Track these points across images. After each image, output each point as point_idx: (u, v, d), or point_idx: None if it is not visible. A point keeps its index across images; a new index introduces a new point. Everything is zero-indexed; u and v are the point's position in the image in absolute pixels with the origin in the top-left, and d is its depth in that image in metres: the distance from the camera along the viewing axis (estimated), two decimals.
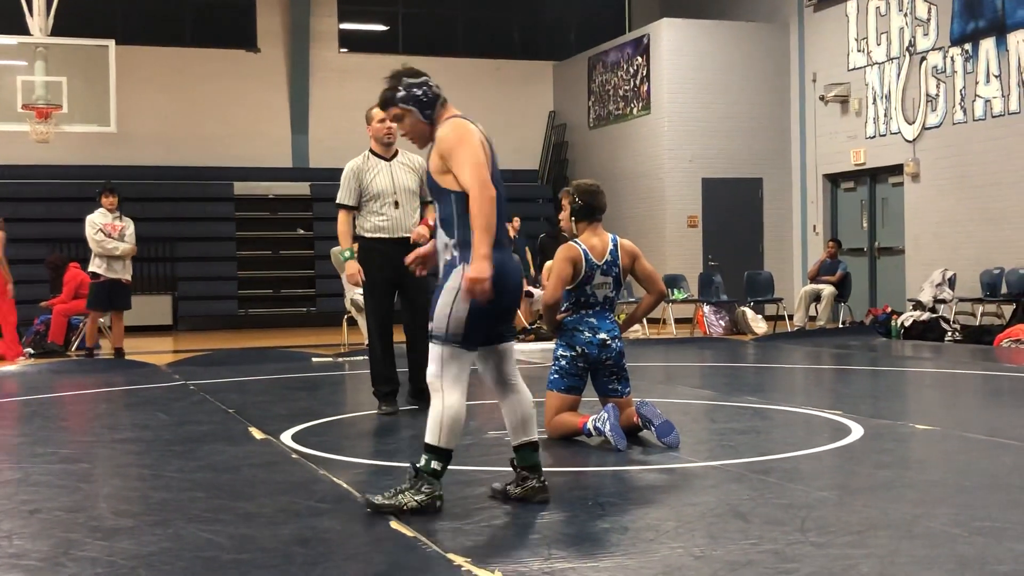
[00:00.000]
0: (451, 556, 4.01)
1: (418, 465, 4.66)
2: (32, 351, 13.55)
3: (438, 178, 4.69)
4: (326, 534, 4.42)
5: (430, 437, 4.64)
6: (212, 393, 9.25)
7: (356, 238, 7.78)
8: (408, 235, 7.60)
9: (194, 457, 6.20)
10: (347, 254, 7.69)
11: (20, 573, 3.91)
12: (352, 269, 7.67)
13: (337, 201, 7.75)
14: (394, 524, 4.47)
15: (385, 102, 4.81)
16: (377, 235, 7.69)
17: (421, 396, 7.88)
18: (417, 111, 4.76)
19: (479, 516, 4.63)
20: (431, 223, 7.72)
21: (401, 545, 4.21)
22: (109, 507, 4.99)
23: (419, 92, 4.77)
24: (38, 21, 15.60)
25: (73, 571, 3.90)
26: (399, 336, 7.91)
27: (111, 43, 15.89)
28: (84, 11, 18.21)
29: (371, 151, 7.80)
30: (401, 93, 4.77)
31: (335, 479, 5.46)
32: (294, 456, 6.11)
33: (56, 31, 15.80)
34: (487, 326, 4.68)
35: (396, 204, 7.66)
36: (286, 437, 6.75)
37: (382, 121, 7.65)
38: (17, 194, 18.63)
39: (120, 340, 13.03)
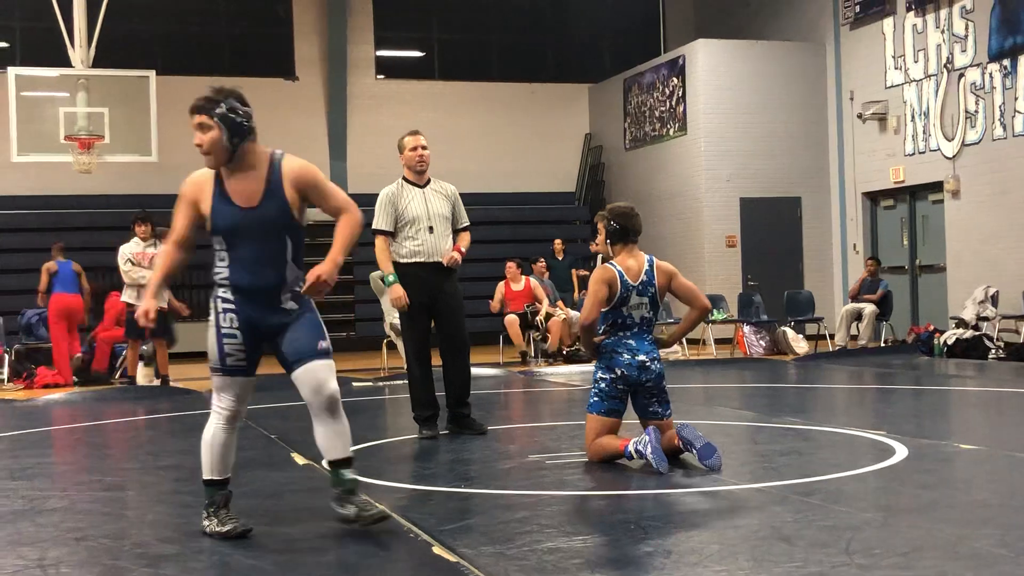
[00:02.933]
0: None
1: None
2: (76, 379, 13.67)
3: (294, 211, 4.85)
4: (370, 560, 4.43)
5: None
6: (254, 419, 9.29)
7: (395, 264, 7.85)
8: (442, 259, 7.75)
9: (237, 483, 6.19)
10: (390, 278, 7.76)
11: None
12: (397, 292, 7.71)
13: (373, 227, 7.81)
14: (437, 549, 4.48)
15: (197, 108, 4.74)
16: (413, 260, 7.78)
17: (457, 421, 7.91)
18: (225, 132, 4.72)
19: (521, 540, 4.63)
20: (463, 249, 7.86)
21: (444, 570, 4.22)
22: (154, 534, 5.04)
23: (238, 118, 4.75)
24: (80, 53, 15.83)
25: None
26: (437, 360, 7.95)
27: (151, 74, 16.08)
28: (125, 43, 18.49)
29: (404, 179, 7.91)
30: (220, 109, 4.74)
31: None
32: None
33: (97, 63, 16.02)
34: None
35: (431, 229, 7.77)
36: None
37: (414, 149, 7.83)
38: (60, 223, 18.86)
39: (165, 368, 13.12)
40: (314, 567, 4.32)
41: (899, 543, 4.42)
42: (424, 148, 7.87)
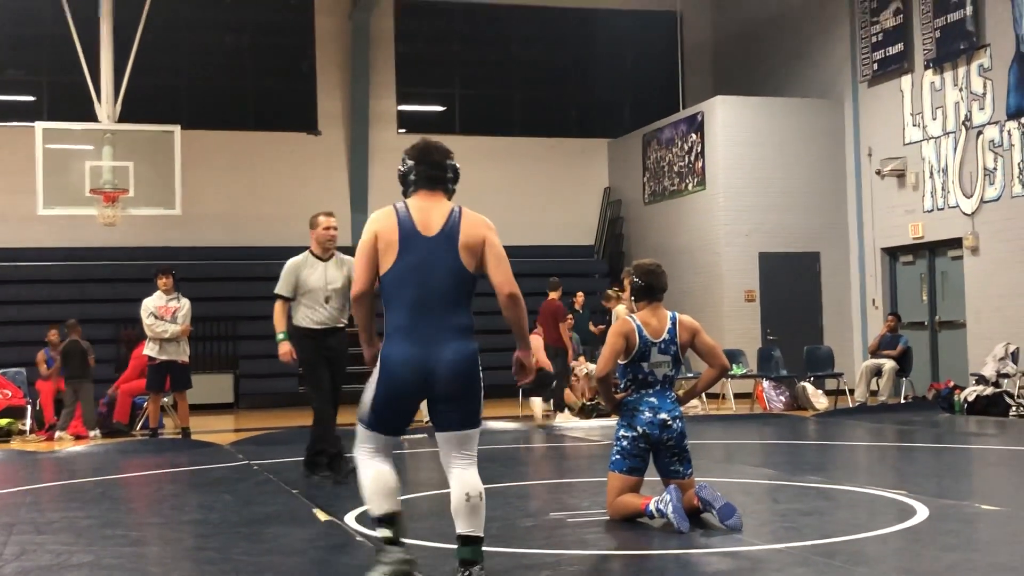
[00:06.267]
0: None
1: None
2: (98, 431, 13.74)
3: None
4: None
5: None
6: (275, 473, 9.35)
7: (292, 327, 8.80)
8: (337, 326, 8.79)
9: (260, 539, 6.28)
10: (280, 336, 8.73)
11: None
12: (285, 349, 8.74)
13: (275, 292, 8.82)
14: None
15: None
16: (307, 325, 8.77)
17: (336, 467, 8.72)
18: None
19: None
20: None
21: None
22: None
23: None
24: (106, 108, 16.06)
25: None
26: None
27: (176, 128, 16.28)
28: (150, 98, 18.72)
29: (311, 252, 8.89)
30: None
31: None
32: (359, 539, 6.17)
33: (123, 117, 16.25)
34: (390, 412, 4.87)
35: (327, 299, 8.73)
36: (350, 518, 6.81)
37: (327, 229, 8.83)
38: (84, 275, 19.06)
39: (186, 419, 13.19)
40: None
41: None
42: (335, 229, 8.92)
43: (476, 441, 4.90)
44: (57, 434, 13.45)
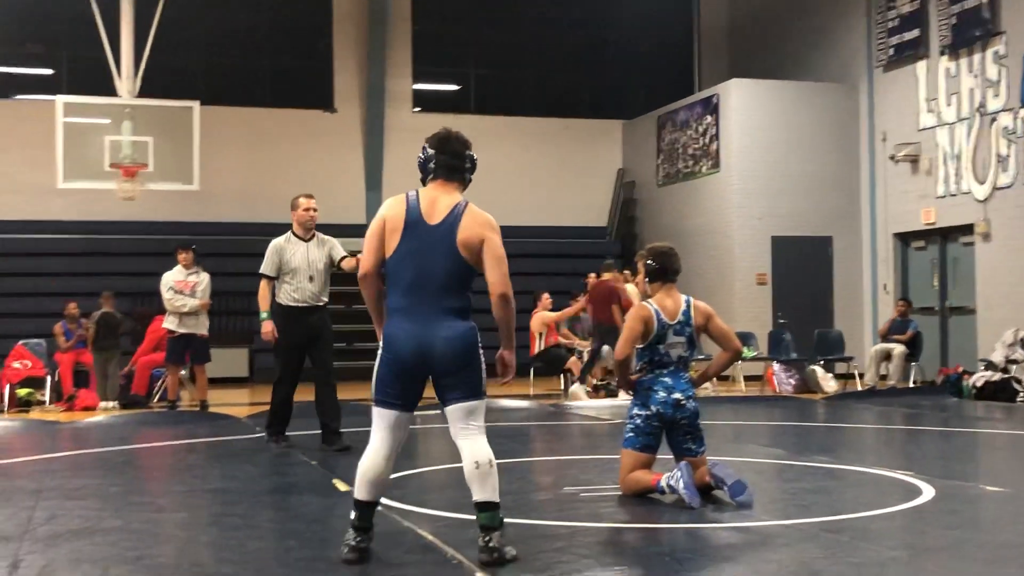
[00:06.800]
0: None
1: None
2: (116, 402, 13.95)
3: None
4: None
5: None
6: (292, 445, 9.53)
7: (276, 304, 9.14)
8: (318, 304, 9.15)
9: (284, 507, 6.47)
10: (263, 315, 9.17)
11: None
12: (268, 328, 9.12)
13: (260, 271, 9.21)
14: (479, 574, 4.68)
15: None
16: (291, 303, 9.08)
17: (327, 439, 9.23)
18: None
19: (560, 569, 4.82)
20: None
21: None
22: (210, 555, 5.26)
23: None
24: (126, 83, 16.22)
25: None
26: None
27: (195, 104, 16.43)
28: (169, 74, 18.85)
29: (293, 232, 9.26)
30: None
31: (419, 531, 5.69)
32: (379, 508, 6.32)
33: (143, 93, 16.41)
34: (393, 388, 5.06)
35: (310, 279, 9.11)
36: None
37: (307, 210, 9.21)
38: (103, 249, 19.24)
39: (205, 392, 13.40)
40: None
41: None
42: (315, 210, 9.26)
43: (482, 412, 5.08)
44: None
